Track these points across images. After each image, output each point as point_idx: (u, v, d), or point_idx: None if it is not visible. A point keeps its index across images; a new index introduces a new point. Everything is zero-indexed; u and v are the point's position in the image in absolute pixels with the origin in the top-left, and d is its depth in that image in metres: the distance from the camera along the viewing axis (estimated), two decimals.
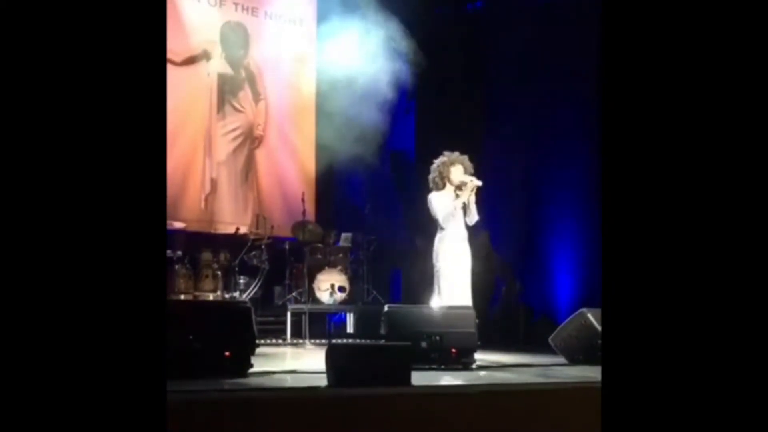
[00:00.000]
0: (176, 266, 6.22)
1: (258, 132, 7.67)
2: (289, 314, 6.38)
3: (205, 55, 7.46)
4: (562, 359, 4.63)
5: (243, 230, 6.87)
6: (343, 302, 6.60)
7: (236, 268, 6.47)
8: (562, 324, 4.77)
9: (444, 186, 4.79)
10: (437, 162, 4.83)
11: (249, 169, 7.59)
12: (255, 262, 6.54)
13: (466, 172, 4.76)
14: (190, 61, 7.39)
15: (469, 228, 4.80)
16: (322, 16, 7.71)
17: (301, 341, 6.15)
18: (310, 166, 7.83)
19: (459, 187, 4.74)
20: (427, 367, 3.94)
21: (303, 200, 6.93)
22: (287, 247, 6.71)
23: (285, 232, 7.03)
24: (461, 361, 4.09)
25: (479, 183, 4.72)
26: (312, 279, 6.51)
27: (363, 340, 3.49)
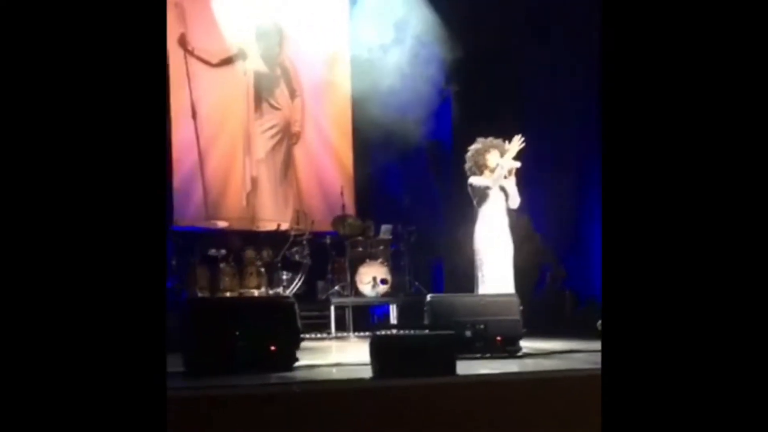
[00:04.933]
0: (221, 265, 6.33)
1: (295, 128, 7.73)
2: (332, 308, 6.42)
3: (241, 55, 7.53)
4: None
5: (284, 226, 6.93)
6: (385, 294, 6.60)
7: (279, 264, 6.54)
8: None
9: (482, 173, 4.73)
10: (471, 149, 4.77)
11: (288, 165, 7.65)
12: (297, 257, 6.60)
13: (502, 156, 4.69)
14: (227, 61, 7.48)
15: (510, 213, 4.73)
16: (353, 9, 7.70)
17: (345, 334, 6.19)
18: (348, 159, 7.85)
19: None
20: (471, 356, 3.91)
21: (342, 194, 6.95)
22: (328, 241, 6.74)
23: (325, 226, 7.07)
24: (506, 349, 4.04)
25: (517, 164, 4.64)
26: (354, 272, 6.53)
27: (407, 331, 3.47)
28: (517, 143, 4.61)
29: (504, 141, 4.72)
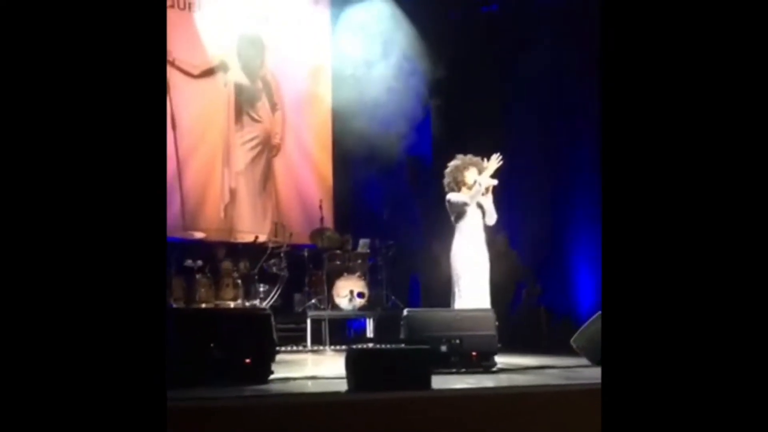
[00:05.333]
0: (197, 276, 6.29)
1: (275, 141, 7.73)
2: (309, 321, 6.40)
3: (223, 67, 7.53)
4: (584, 361, 4.58)
5: (262, 238, 6.91)
6: (362, 308, 6.61)
7: (256, 276, 6.50)
8: (584, 325, 4.72)
9: (460, 190, 4.78)
10: (450, 166, 4.82)
11: (267, 177, 7.64)
12: (274, 269, 6.58)
13: (480, 174, 4.75)
14: (208, 73, 7.47)
15: (487, 230, 4.78)
16: (336, 23, 7.75)
17: (321, 348, 6.17)
18: (328, 173, 7.86)
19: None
20: (447, 370, 3.93)
21: (321, 207, 6.96)
22: (306, 254, 6.73)
23: (303, 239, 7.06)
24: (481, 364, 4.07)
25: (494, 182, 4.70)
26: (331, 285, 6.53)
27: (383, 345, 3.48)
28: (495, 161, 4.68)
29: (482, 159, 4.79)
